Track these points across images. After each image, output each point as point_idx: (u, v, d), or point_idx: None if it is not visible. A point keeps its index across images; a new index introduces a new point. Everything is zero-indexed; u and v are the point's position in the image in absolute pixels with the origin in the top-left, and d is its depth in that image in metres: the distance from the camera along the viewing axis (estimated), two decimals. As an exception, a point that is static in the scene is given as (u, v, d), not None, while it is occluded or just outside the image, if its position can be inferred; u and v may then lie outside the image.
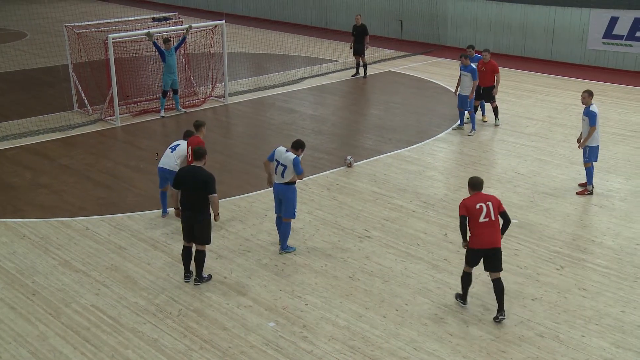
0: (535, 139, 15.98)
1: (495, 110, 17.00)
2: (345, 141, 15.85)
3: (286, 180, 10.32)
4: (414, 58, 24.57)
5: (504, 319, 9.01)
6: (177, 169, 11.22)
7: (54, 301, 9.57)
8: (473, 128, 16.36)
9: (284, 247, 10.77)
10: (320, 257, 10.67)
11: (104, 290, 9.83)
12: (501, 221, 8.96)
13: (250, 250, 10.92)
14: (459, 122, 16.72)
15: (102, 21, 18.49)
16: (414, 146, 15.47)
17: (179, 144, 11.56)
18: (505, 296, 9.31)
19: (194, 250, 9.91)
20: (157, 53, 17.72)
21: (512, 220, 11.61)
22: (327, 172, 13.89)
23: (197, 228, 9.55)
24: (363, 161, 14.44)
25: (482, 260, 8.90)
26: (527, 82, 21.20)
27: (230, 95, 19.32)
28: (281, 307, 9.41)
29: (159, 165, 11.65)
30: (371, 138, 15.96)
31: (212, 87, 19.35)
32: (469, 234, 8.84)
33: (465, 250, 9.12)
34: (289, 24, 30.49)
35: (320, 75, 22.01)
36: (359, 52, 21.43)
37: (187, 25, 17.82)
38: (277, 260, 10.58)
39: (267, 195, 12.84)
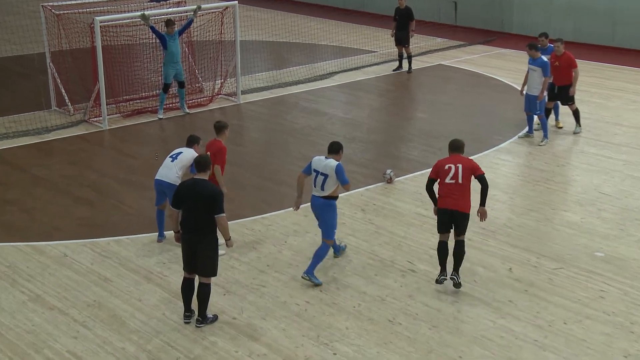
0: (626, 150, 15.89)
1: (575, 114, 16.89)
2: (384, 151, 15.96)
3: (327, 193, 10.51)
4: (470, 48, 24.63)
5: (457, 279, 10.45)
6: (178, 182, 11.14)
7: (21, 346, 9.59)
8: (545, 136, 16.29)
9: (310, 272, 10.77)
10: (353, 295, 10.64)
11: (84, 332, 9.85)
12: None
13: (266, 284, 10.91)
14: (527, 129, 16.66)
15: (88, 0, 18.77)
16: (469, 158, 15.49)
17: (181, 152, 11.54)
18: (578, 343, 9.55)
19: (196, 283, 9.85)
20: (155, 40, 17.89)
21: (597, 254, 11.49)
22: (362, 189, 13.95)
23: (200, 256, 9.47)
24: (406, 176, 14.48)
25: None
26: (616, 79, 21.10)
27: (243, 92, 19.48)
28: (303, 358, 9.35)
29: (156, 178, 11.65)
30: (416, 147, 16.01)
31: (221, 83, 19.53)
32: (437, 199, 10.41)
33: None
34: (316, 6, 30.84)
35: (354, 69, 22.11)
36: (402, 41, 21.54)
37: (196, 6, 17.97)
38: (299, 298, 10.56)
39: (288, 217, 12.86)
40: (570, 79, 16.50)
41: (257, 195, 13.69)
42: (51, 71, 18.19)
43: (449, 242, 10.65)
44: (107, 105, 17.42)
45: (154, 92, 18.89)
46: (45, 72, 18.58)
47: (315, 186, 10.58)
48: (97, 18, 16.81)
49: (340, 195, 13.59)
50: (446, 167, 10.48)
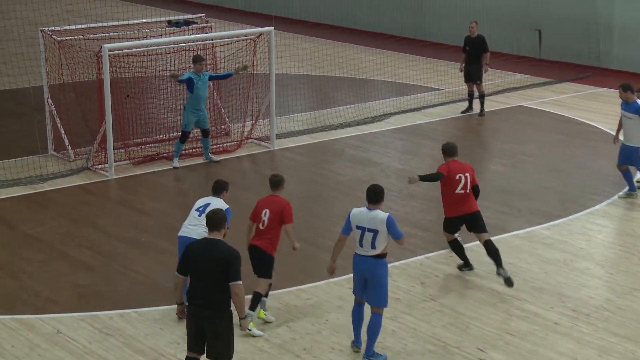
0: None
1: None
2: None
3: (378, 251, 10.67)
4: (558, 87, 24.53)
5: (505, 273, 12.70)
6: None
7: None
8: (651, 196, 16.11)
9: (371, 354, 10.77)
10: (409, 389, 10.49)
11: None
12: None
13: (302, 373, 10.85)
14: (627, 187, 16.47)
15: (94, 24, 19.20)
16: (556, 222, 15.33)
17: (209, 203, 11.62)
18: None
19: None
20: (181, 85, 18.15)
21: None
22: (421, 256, 13.92)
23: (211, 336, 9.35)
24: (476, 242, 14.21)
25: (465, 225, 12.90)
26: None
27: (278, 137, 19.55)
28: None
29: (181, 234, 11.75)
30: (490, 207, 15.86)
31: (251, 125, 19.63)
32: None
33: (415, 179, 12.77)
34: (367, 34, 31.01)
35: (414, 110, 22.14)
36: (473, 76, 21.56)
37: (242, 65, 18.18)
38: (343, 392, 10.43)
39: (330, 289, 12.79)
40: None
41: (293, 262, 13.49)
42: (49, 108, 18.45)
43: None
44: (114, 150, 17.60)
45: (172, 135, 19.07)
46: (42, 109, 18.81)
47: (362, 245, 10.68)
48: (105, 45, 17.10)
49: (393, 264, 13.58)
50: (457, 177, 12.76)
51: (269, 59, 18.94)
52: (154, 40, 18.52)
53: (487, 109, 21.90)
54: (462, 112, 21.88)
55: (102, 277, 13.27)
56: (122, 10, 25.25)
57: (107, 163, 17.54)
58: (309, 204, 16.17)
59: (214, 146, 18.89)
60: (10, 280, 13.17)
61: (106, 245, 14.31)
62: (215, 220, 9.52)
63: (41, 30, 18.37)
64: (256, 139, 19.54)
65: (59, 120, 18.39)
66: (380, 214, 10.59)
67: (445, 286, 12.95)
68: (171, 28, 19.58)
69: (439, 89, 23.95)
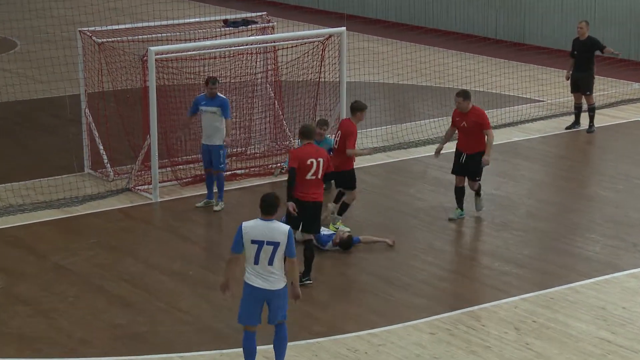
0: None
1: None
2: (551, 244, 15.87)
3: (277, 271, 11.48)
4: (686, 99, 24.25)
5: (310, 283, 13.93)
6: None
7: None
8: None
9: None
10: None
11: None
12: None
13: None
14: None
15: (140, 24, 19.15)
16: (681, 260, 15.18)
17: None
18: None
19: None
20: (231, 79, 18.16)
21: None
22: (516, 297, 13.86)
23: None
24: (584, 281, 14.33)
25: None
26: None
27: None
28: None
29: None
30: (600, 241, 15.86)
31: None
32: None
33: (291, 209, 13.83)
34: (455, 35, 30.84)
35: (509, 125, 22.04)
36: (581, 86, 21.36)
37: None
38: None
39: (407, 334, 12.68)
40: None
41: (364, 302, 13.63)
42: (87, 120, 18.63)
43: None
44: (159, 169, 17.69)
45: (229, 151, 18.74)
46: (79, 121, 19.00)
47: (257, 262, 11.30)
48: (151, 48, 17.19)
49: (484, 305, 13.50)
50: (308, 161, 13.96)
51: (340, 65, 19.00)
52: (208, 43, 18.57)
53: (597, 124, 21.70)
54: (566, 128, 21.74)
55: (142, 315, 13.30)
56: (172, 8, 25.22)
57: (151, 184, 17.63)
58: (384, 233, 16.07)
59: (274, 165, 18.89)
60: (39, 318, 13.24)
61: (148, 278, 14.39)
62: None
63: (79, 31, 18.52)
64: (323, 156, 19.67)
65: (97, 134, 18.58)
66: (282, 225, 11.32)
67: (545, 334, 12.79)
68: (228, 28, 19.64)
69: (539, 101, 23.82)
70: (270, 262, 11.19)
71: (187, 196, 17.74)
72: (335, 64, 19.38)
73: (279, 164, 18.68)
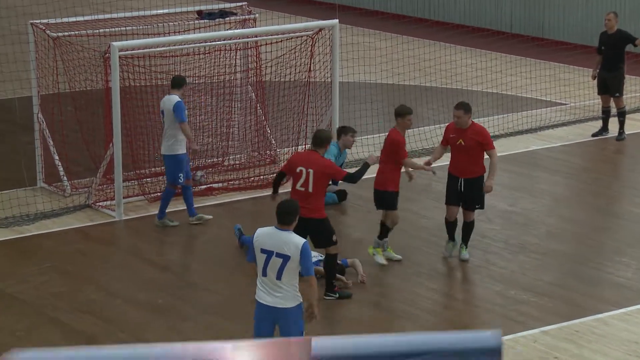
0: None
1: None
2: (575, 269, 15.76)
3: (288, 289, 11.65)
4: None
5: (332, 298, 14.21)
6: None
7: None
8: None
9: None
10: None
11: None
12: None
13: None
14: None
15: (101, 16, 18.87)
16: None
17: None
18: None
19: None
20: (207, 78, 18.16)
21: None
22: (536, 330, 13.70)
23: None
24: (614, 312, 14.23)
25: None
26: None
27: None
28: None
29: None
30: (631, 264, 15.81)
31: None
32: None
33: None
34: (464, 29, 30.83)
35: (527, 131, 21.94)
36: (610, 87, 21.20)
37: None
38: None
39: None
40: None
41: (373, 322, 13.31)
42: (40, 126, 18.27)
43: None
44: (124, 182, 17.52)
45: (203, 162, 18.88)
46: (30, 127, 18.68)
47: (265, 274, 11.45)
48: (114, 44, 17.04)
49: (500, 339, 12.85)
50: (298, 169, 13.99)
51: (332, 62, 18.95)
52: (179, 37, 18.35)
53: (628, 130, 21.53)
54: (593, 135, 21.54)
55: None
56: (139, -1, 25.85)
57: (114, 199, 17.43)
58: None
59: (258, 177, 18.77)
60: (-22, 356, 12.80)
61: (110, 309, 14.26)
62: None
63: (31, 24, 18.24)
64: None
65: (52, 142, 18.29)
66: (296, 238, 11.40)
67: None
68: (203, 21, 19.55)
69: (562, 104, 23.69)
70: (279, 277, 11.28)
71: (155, 213, 17.36)
72: (326, 61, 19.27)
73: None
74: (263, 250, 11.32)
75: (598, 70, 21.20)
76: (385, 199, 15.48)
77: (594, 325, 13.72)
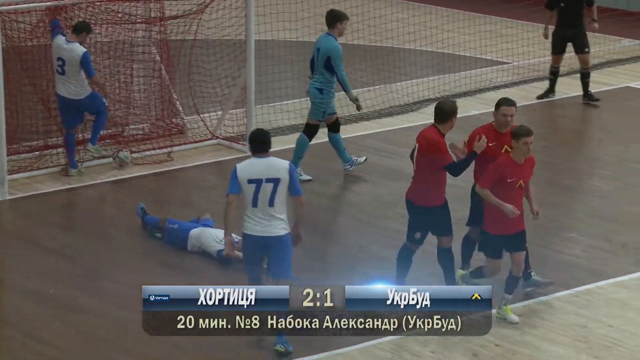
0: None
1: None
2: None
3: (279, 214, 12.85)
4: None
5: None
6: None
7: None
8: None
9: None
10: None
11: None
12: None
13: None
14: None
15: None
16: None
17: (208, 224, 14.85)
18: None
19: None
20: (101, 42, 18.37)
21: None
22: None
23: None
24: (561, 293, 14.44)
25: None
26: None
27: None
28: None
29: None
30: (580, 241, 16.06)
31: (219, 119, 19.83)
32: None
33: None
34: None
35: (465, 94, 22.32)
36: (578, 44, 21.67)
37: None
38: None
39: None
40: None
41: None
42: None
43: None
44: (8, 156, 17.67)
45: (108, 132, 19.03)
46: None
47: (256, 205, 12.57)
48: None
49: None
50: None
51: (247, 18, 18.95)
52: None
53: (576, 92, 22.07)
54: (538, 97, 22.08)
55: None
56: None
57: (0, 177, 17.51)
58: (309, 236, 15.09)
59: (160, 150, 19.02)
60: None
61: None
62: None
63: None
64: (225, 138, 19.73)
65: None
66: (280, 160, 12.65)
67: (511, 361, 12.92)
68: None
69: (504, 63, 24.13)
70: (271, 203, 12.52)
71: (46, 192, 17.68)
72: (240, 16, 19.42)
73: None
74: (250, 181, 12.48)
75: (554, 28, 21.67)
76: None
77: (539, 308, 13.86)
